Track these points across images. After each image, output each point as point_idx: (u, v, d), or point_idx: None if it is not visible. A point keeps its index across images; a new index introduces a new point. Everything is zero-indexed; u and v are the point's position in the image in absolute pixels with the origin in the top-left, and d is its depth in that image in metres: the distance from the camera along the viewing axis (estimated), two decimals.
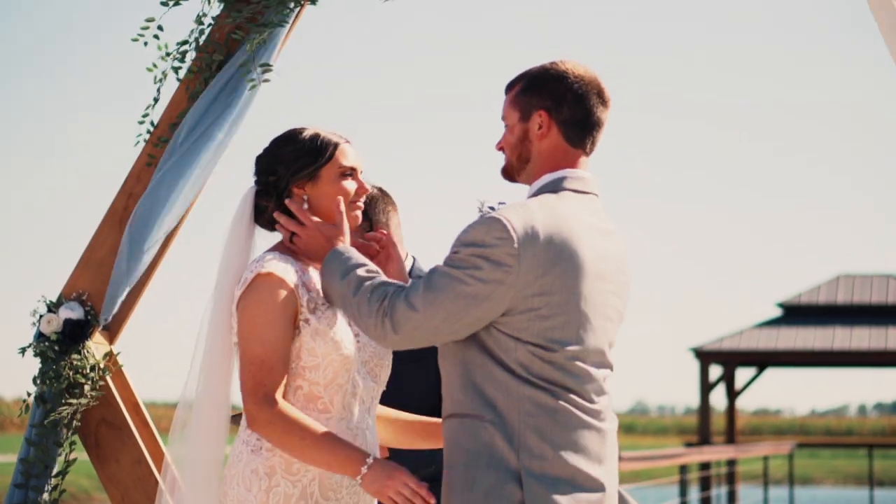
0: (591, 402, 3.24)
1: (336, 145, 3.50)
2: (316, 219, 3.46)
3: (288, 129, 3.54)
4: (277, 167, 3.49)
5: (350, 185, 3.51)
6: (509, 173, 3.44)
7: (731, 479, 23.70)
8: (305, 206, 3.48)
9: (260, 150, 3.58)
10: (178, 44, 4.91)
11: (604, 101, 3.38)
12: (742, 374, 38.54)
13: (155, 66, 4.88)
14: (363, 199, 3.57)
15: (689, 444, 27.59)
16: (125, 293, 4.81)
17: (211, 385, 3.48)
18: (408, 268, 4.27)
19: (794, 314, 28.55)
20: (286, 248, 3.49)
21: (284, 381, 3.36)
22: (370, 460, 3.25)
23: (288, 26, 4.81)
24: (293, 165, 3.48)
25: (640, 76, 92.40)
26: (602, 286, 3.28)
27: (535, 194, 3.34)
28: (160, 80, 4.88)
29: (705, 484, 23.75)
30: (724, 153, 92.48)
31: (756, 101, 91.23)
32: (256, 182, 3.55)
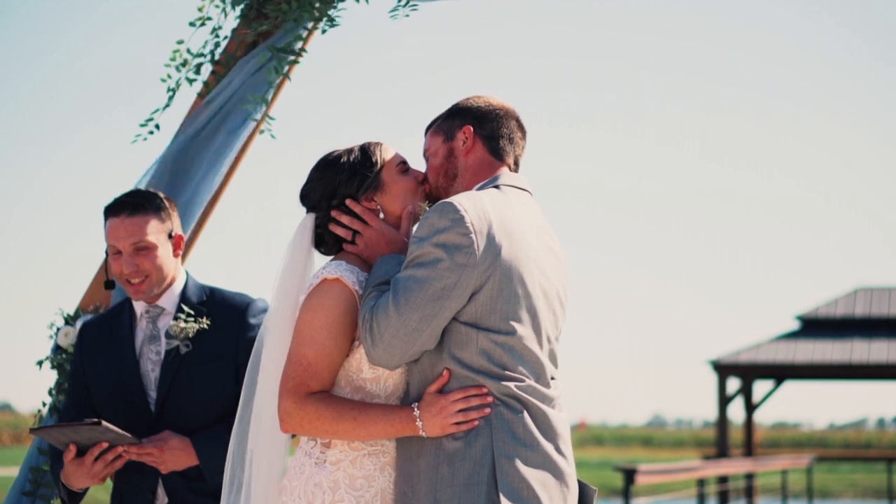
0: (548, 387, 3.32)
1: (381, 148, 3.54)
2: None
3: (321, 157, 3.53)
4: (337, 189, 3.49)
5: (412, 174, 3.55)
6: (435, 196, 3.49)
7: (749, 492, 23.59)
8: (382, 215, 3.50)
9: (300, 186, 3.56)
10: (193, 55, 4.93)
11: (521, 128, 3.53)
12: (760, 387, 38.50)
13: (169, 76, 4.90)
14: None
15: (706, 458, 27.50)
16: None
17: (269, 399, 3.46)
18: None
19: (813, 327, 28.43)
20: (353, 259, 3.48)
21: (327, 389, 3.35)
22: (416, 411, 3.26)
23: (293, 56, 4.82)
24: (354, 181, 3.48)
25: (651, 85, 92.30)
26: (544, 276, 3.35)
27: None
28: (174, 90, 4.89)
29: (723, 497, 23.66)
30: (743, 166, 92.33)
31: (775, 110, 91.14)
32: (314, 209, 3.52)
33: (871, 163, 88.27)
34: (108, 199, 4.19)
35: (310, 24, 4.83)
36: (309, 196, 3.53)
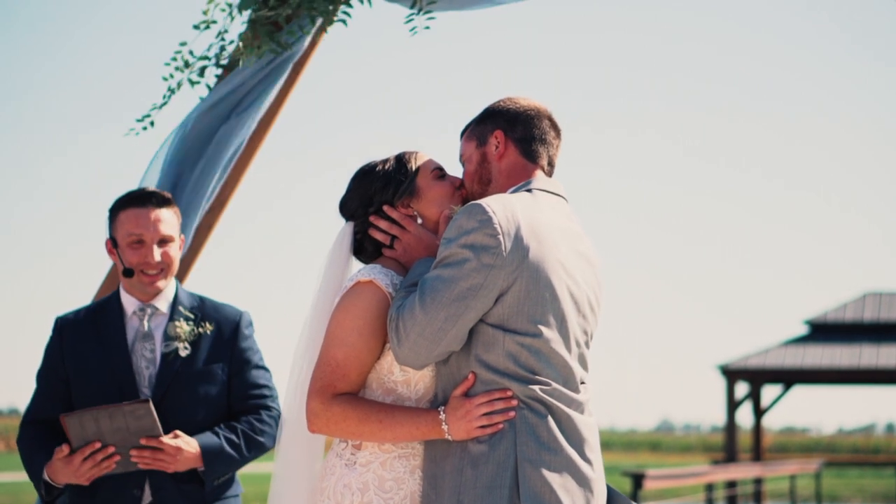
0: (577, 391, 3.32)
1: (415, 155, 3.57)
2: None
3: (358, 169, 3.58)
4: (373, 197, 3.53)
5: (447, 180, 3.57)
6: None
7: (757, 497, 23.55)
8: (419, 221, 3.52)
9: (339, 197, 3.59)
10: (197, 57, 4.92)
11: (555, 127, 3.52)
12: (769, 392, 38.43)
13: (171, 76, 4.90)
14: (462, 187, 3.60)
15: (715, 462, 27.46)
16: None
17: (301, 402, 3.47)
18: None
19: (821, 332, 28.39)
20: (390, 263, 3.50)
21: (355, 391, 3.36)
22: (442, 415, 3.28)
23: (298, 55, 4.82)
24: (389, 188, 3.52)
25: (662, 87, 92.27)
26: (573, 281, 3.34)
27: None
28: (174, 90, 4.89)
29: (732, 502, 23.62)
30: (753, 170, 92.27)
31: (787, 113, 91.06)
32: (352, 218, 3.56)
33: (881, 167, 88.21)
34: (110, 201, 4.23)
35: (318, 21, 4.82)
36: (347, 205, 3.58)
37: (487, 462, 3.21)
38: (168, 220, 4.23)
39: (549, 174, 3.51)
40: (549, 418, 3.23)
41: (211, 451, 4.13)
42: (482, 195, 3.47)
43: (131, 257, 4.19)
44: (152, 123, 4.90)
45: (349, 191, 3.58)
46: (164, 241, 4.22)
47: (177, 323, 4.20)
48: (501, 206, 3.26)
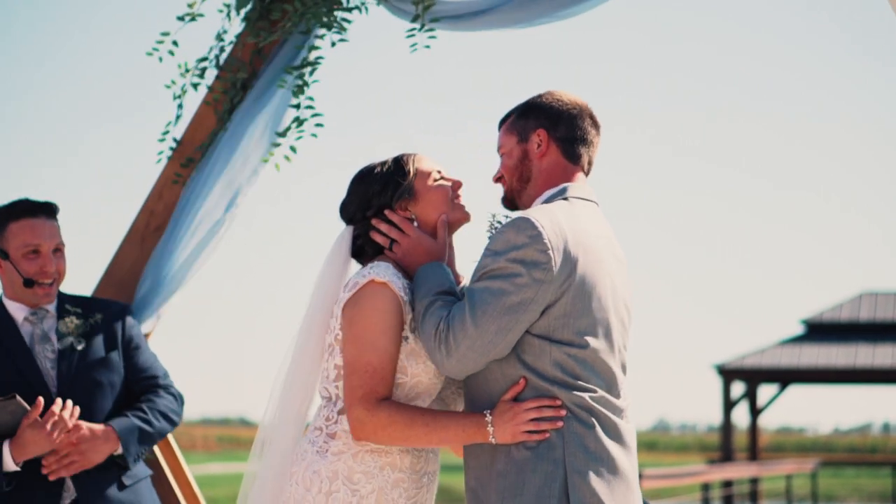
0: (619, 398, 3.34)
1: (414, 158, 3.57)
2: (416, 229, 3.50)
3: (358, 171, 3.59)
4: (371, 200, 3.54)
5: (445, 183, 3.57)
6: (510, 199, 3.51)
7: (753, 497, 23.57)
8: (416, 223, 3.52)
9: (339, 200, 3.60)
10: (197, 60, 4.92)
11: (595, 125, 3.51)
12: (765, 392, 38.47)
13: (174, 82, 4.90)
14: (461, 191, 3.60)
15: (711, 462, 27.47)
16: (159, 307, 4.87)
17: (292, 406, 3.51)
18: None
19: (818, 331, 28.42)
20: (393, 261, 3.51)
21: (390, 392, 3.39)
22: (489, 417, 3.29)
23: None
24: (387, 191, 3.53)
25: (653, 86, 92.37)
26: (614, 287, 3.36)
27: (544, 202, 3.42)
28: (180, 97, 4.90)
29: (728, 502, 23.63)
30: (748, 168, 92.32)
31: (782, 112, 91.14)
32: (351, 221, 3.57)
33: (878, 167, 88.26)
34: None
35: (320, 32, 4.81)
36: (346, 209, 3.59)
37: (535, 471, 3.21)
38: (58, 229, 4.36)
39: (588, 173, 3.51)
40: (597, 427, 3.25)
41: (124, 430, 4.23)
42: (520, 192, 3.48)
43: (28, 267, 4.29)
44: (176, 140, 4.92)
45: (348, 194, 3.59)
46: (57, 250, 4.34)
47: (66, 319, 4.31)
48: (549, 221, 3.25)
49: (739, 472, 20.16)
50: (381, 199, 3.53)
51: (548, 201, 3.41)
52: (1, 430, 4.10)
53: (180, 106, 4.90)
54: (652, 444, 58.79)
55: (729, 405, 27.30)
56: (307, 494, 3.37)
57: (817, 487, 24.71)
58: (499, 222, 3.47)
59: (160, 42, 4.83)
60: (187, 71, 4.89)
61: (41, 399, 4.10)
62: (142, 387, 4.40)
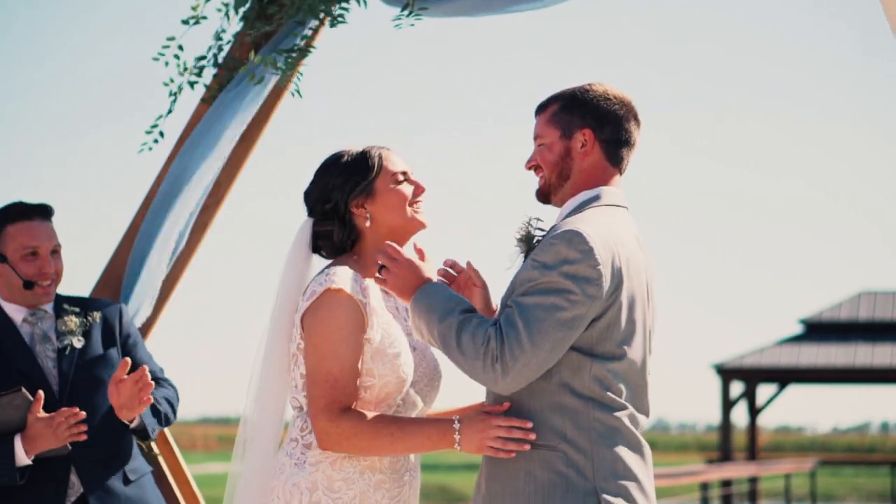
0: (646, 415, 3.35)
1: (380, 155, 3.51)
2: (405, 255, 3.39)
3: (327, 157, 3.54)
4: (331, 193, 3.48)
5: (406, 188, 3.51)
6: (546, 193, 3.42)
7: (752, 496, 23.59)
8: (368, 223, 3.48)
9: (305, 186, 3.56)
10: (196, 58, 4.93)
11: (639, 125, 3.43)
12: (764, 391, 38.41)
13: (172, 80, 4.90)
14: (422, 197, 3.55)
15: (710, 462, 27.49)
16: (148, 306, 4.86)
17: (268, 407, 3.48)
18: None
19: (816, 331, 28.44)
20: (351, 263, 3.47)
21: (355, 400, 3.35)
22: (457, 424, 3.26)
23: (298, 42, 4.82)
24: (346, 186, 3.47)
25: (654, 85, 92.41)
26: (645, 298, 3.33)
27: (576, 209, 3.35)
28: (175, 94, 4.89)
29: (727, 501, 23.66)
30: (747, 167, 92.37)
31: (780, 111, 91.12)
32: (311, 213, 3.53)
33: (877, 166, 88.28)
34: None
35: (314, 24, 4.82)
36: (307, 197, 3.54)
37: (565, 498, 3.18)
38: (54, 231, 4.40)
39: (624, 172, 3.44)
40: (625, 448, 3.24)
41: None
42: (557, 188, 3.38)
43: (27, 269, 4.32)
44: (161, 133, 4.91)
45: (311, 182, 3.54)
46: (54, 252, 4.38)
47: (65, 318, 4.34)
48: (598, 235, 3.19)
49: (738, 471, 20.18)
50: (339, 194, 3.47)
51: (582, 205, 3.34)
52: (9, 424, 4.12)
53: (174, 102, 4.89)
54: (651, 443, 58.11)
55: (728, 405, 27.31)
56: None
57: (816, 487, 24.72)
58: (540, 229, 3.40)
59: (166, 47, 4.84)
60: (186, 69, 4.89)
61: (41, 392, 4.11)
62: None
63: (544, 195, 3.43)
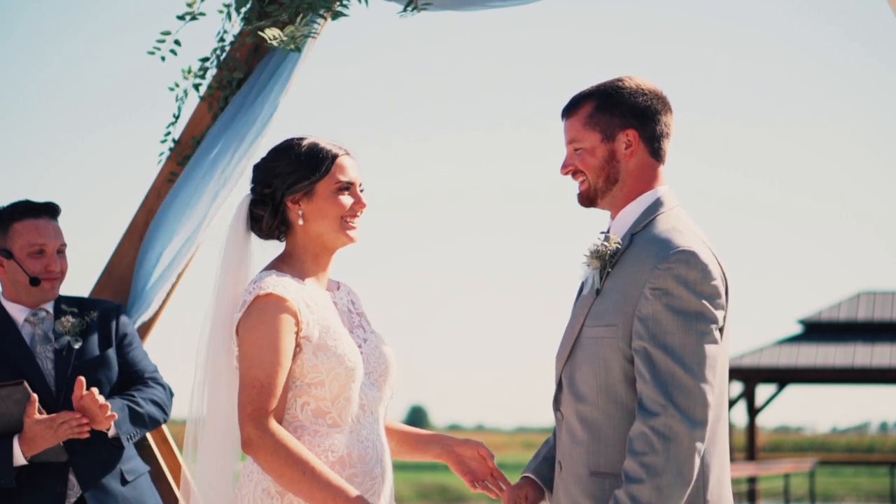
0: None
1: (334, 158, 3.42)
2: None
3: (287, 139, 3.46)
4: (273, 179, 3.42)
5: (346, 200, 3.43)
6: (591, 198, 3.31)
7: (751, 496, 23.60)
8: (301, 221, 3.41)
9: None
10: (199, 60, 4.93)
11: (672, 112, 3.31)
12: (763, 391, 38.39)
13: (177, 84, 4.90)
14: (360, 214, 3.47)
15: None
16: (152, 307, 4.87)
17: (218, 400, 3.44)
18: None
19: (815, 331, 28.43)
20: (281, 265, 3.43)
21: (283, 405, 3.32)
22: (353, 495, 3.22)
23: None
24: (289, 179, 3.40)
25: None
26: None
27: (646, 214, 3.25)
28: (181, 99, 4.91)
29: None
30: (746, 169, 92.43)
31: (779, 114, 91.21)
32: (252, 191, 3.47)
33: (875, 167, 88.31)
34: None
35: (318, 21, 4.82)
36: (254, 173, 3.48)
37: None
38: (60, 230, 4.43)
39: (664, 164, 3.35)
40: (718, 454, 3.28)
41: (114, 407, 4.21)
42: (605, 192, 3.26)
43: (33, 266, 4.34)
44: (175, 140, 4.93)
45: (263, 158, 3.47)
46: (60, 251, 4.41)
47: (63, 319, 4.36)
48: (700, 245, 3.15)
49: (737, 471, 20.18)
50: (280, 183, 3.40)
51: (652, 208, 3.24)
52: (7, 418, 4.12)
53: (180, 108, 4.90)
54: None
55: (727, 405, 27.31)
56: None
57: (815, 487, 24.75)
58: (617, 243, 3.23)
59: (161, 41, 4.83)
60: (190, 72, 4.90)
61: (35, 395, 4.13)
62: (132, 380, 4.44)
63: (590, 199, 3.31)
